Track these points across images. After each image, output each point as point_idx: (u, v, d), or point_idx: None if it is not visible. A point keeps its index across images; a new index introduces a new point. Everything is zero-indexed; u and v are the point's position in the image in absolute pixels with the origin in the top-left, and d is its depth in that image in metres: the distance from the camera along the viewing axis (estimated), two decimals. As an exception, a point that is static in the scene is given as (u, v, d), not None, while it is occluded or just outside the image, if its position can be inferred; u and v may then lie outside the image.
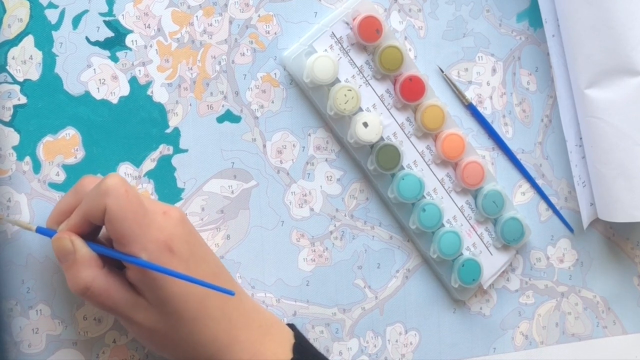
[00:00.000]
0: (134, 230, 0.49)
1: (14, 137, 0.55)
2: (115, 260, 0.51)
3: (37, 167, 0.55)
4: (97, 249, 0.51)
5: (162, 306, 0.51)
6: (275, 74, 0.61)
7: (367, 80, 0.62)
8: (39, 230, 0.52)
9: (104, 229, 0.52)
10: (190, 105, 0.59)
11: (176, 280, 0.50)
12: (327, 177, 0.62)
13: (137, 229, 0.49)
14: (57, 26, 0.56)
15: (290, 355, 0.54)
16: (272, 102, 0.61)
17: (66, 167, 0.56)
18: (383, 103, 0.62)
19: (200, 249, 0.53)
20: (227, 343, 0.52)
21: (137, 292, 0.51)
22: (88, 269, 0.50)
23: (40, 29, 0.55)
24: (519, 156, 0.67)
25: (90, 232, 0.52)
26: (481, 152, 0.66)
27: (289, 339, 0.55)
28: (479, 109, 0.66)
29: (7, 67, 0.55)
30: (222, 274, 0.54)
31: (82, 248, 0.50)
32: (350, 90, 0.59)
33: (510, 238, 0.65)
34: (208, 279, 0.52)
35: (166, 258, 0.50)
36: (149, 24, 0.58)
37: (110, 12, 0.57)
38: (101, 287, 0.50)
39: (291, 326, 0.58)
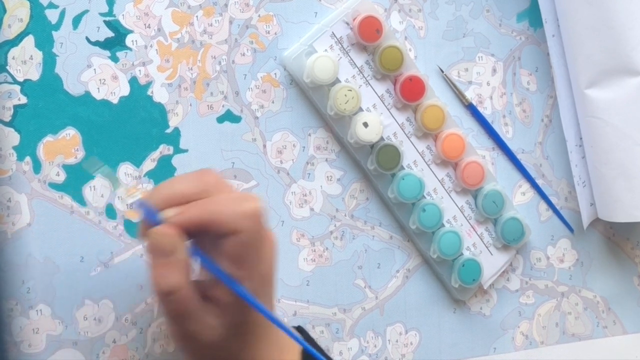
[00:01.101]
0: (253, 260, 0.48)
1: (14, 137, 0.55)
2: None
3: (37, 167, 0.55)
4: (206, 262, 0.48)
5: (243, 327, 0.49)
6: (275, 74, 0.61)
7: (367, 80, 0.62)
8: (144, 209, 0.47)
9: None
10: (191, 105, 0.59)
11: (268, 306, 0.49)
12: (327, 177, 0.62)
13: (255, 259, 0.48)
14: (57, 26, 0.56)
15: None
16: (273, 102, 0.61)
17: (66, 167, 0.56)
18: (383, 103, 0.62)
19: None
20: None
21: (209, 306, 0.49)
22: (179, 275, 0.47)
23: (41, 29, 0.55)
24: (519, 156, 0.67)
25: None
26: (481, 152, 0.66)
27: (298, 350, 0.54)
28: (479, 109, 0.66)
29: (7, 67, 0.55)
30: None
31: (182, 254, 0.47)
32: (351, 90, 0.59)
33: (510, 238, 0.65)
34: (272, 297, 0.51)
35: (264, 289, 0.49)
36: (149, 24, 0.58)
37: (110, 12, 0.57)
38: (184, 297, 0.47)
39: (299, 329, 0.58)
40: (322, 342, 0.62)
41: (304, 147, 0.61)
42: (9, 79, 0.55)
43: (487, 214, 0.64)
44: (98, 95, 0.57)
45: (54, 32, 0.55)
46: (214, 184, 0.48)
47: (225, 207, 0.47)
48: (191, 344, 0.50)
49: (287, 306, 0.61)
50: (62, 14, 0.56)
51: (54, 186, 0.56)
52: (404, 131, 0.63)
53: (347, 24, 0.61)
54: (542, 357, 0.68)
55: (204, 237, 0.48)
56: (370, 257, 0.63)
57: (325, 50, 0.60)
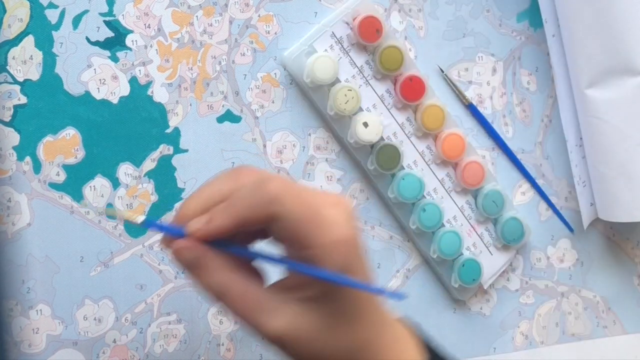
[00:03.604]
0: (313, 234, 0.43)
1: (14, 137, 0.55)
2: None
3: (37, 167, 0.55)
4: (238, 252, 0.45)
5: (341, 312, 0.45)
6: (275, 74, 0.61)
7: (367, 80, 0.62)
8: (148, 224, 0.45)
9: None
10: (191, 105, 0.59)
11: (364, 270, 0.44)
12: (327, 177, 0.62)
13: (316, 232, 0.43)
14: (57, 26, 0.56)
15: (419, 354, 0.48)
16: (273, 102, 0.61)
17: (66, 167, 0.56)
18: (383, 103, 0.62)
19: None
20: (391, 340, 0.47)
21: (288, 297, 0.45)
22: (221, 272, 0.44)
23: (41, 29, 0.55)
24: (519, 156, 0.67)
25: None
26: (481, 152, 0.66)
27: (412, 335, 0.50)
28: (479, 109, 0.66)
29: (8, 67, 0.55)
30: None
31: (207, 250, 0.44)
32: (351, 90, 0.59)
33: (510, 238, 0.65)
34: (368, 271, 0.46)
35: (352, 255, 0.44)
36: (149, 24, 0.58)
37: (110, 12, 0.57)
38: (239, 290, 0.44)
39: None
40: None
41: (304, 147, 0.61)
42: (9, 79, 0.55)
43: (487, 214, 0.64)
44: (98, 95, 0.57)
45: (54, 32, 0.55)
46: (247, 178, 0.45)
47: (244, 199, 0.43)
48: (281, 347, 0.45)
49: (287, 306, 0.61)
50: (62, 14, 0.56)
51: (54, 186, 0.56)
52: (404, 131, 0.63)
53: (347, 24, 0.61)
54: (542, 357, 0.68)
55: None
56: (370, 257, 0.63)
57: (325, 50, 0.60)
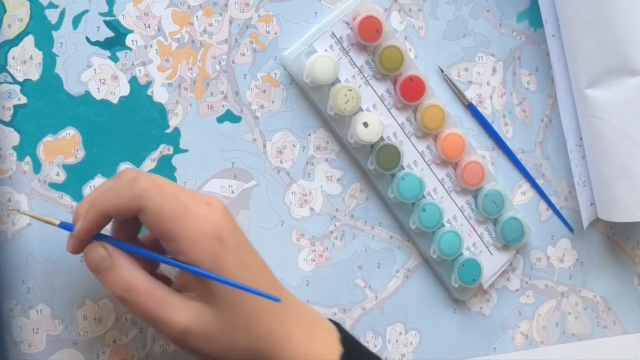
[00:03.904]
0: (179, 226, 0.47)
1: (14, 137, 0.55)
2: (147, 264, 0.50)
3: (37, 167, 0.55)
4: (141, 252, 0.49)
5: (216, 300, 0.48)
6: (275, 74, 0.61)
7: (367, 80, 0.62)
8: (63, 225, 0.50)
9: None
10: (191, 105, 0.59)
11: (232, 264, 0.48)
12: (327, 177, 0.62)
13: (182, 225, 0.47)
14: (57, 26, 0.56)
15: (341, 349, 0.52)
16: (272, 102, 0.61)
17: (66, 167, 0.56)
18: (383, 103, 0.62)
19: (245, 238, 0.51)
20: (282, 337, 0.50)
21: (183, 295, 0.49)
22: (127, 269, 0.48)
23: (41, 29, 0.55)
24: (519, 156, 0.67)
25: (130, 235, 0.51)
26: (481, 152, 0.66)
27: (335, 333, 0.54)
28: (479, 108, 0.66)
29: (7, 67, 0.54)
30: (267, 267, 0.52)
31: (116, 252, 0.49)
32: (351, 90, 0.59)
33: (510, 238, 0.65)
34: (258, 269, 0.50)
35: (218, 248, 0.48)
36: (149, 24, 0.58)
37: (110, 12, 0.57)
38: (145, 286, 0.48)
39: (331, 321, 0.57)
40: (322, 342, 0.62)
41: (304, 147, 0.61)
42: (9, 79, 0.55)
43: (487, 213, 0.64)
44: (98, 95, 0.57)
45: (54, 32, 0.55)
46: (123, 174, 0.50)
47: (119, 192, 0.48)
48: (192, 339, 0.49)
49: (287, 306, 0.61)
50: (62, 14, 0.56)
51: (54, 186, 0.56)
52: (404, 131, 0.63)
53: (347, 24, 0.61)
54: (542, 357, 0.68)
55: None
56: (370, 257, 0.63)
57: (325, 50, 0.60)
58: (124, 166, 0.57)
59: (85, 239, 0.50)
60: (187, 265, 0.48)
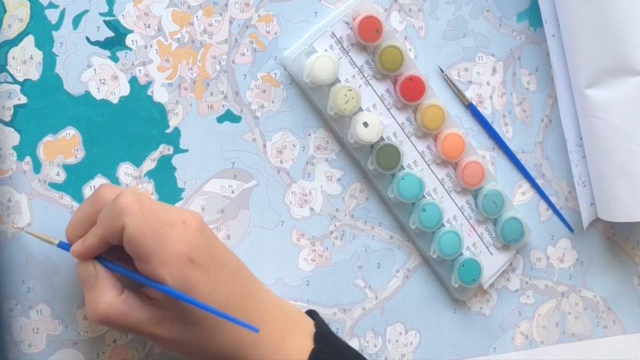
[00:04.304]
0: (153, 247, 0.49)
1: (14, 137, 0.55)
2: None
3: (37, 167, 0.55)
4: (119, 270, 0.51)
5: (186, 317, 0.51)
6: (275, 74, 0.61)
7: (367, 80, 0.62)
8: (61, 245, 0.52)
9: None
10: (191, 105, 0.59)
11: (201, 284, 0.50)
12: (327, 177, 0.62)
13: (156, 246, 0.49)
14: (57, 26, 0.56)
15: (312, 346, 0.54)
16: (272, 102, 0.61)
17: (66, 167, 0.56)
18: (383, 103, 0.62)
19: (220, 254, 0.53)
20: (250, 343, 0.53)
21: (157, 306, 0.51)
22: (106, 295, 0.50)
23: (41, 29, 0.55)
24: (519, 156, 0.67)
25: (114, 249, 0.52)
26: (481, 152, 0.66)
27: (310, 329, 0.56)
28: (479, 108, 0.66)
29: (8, 67, 0.54)
30: (242, 276, 0.54)
31: (102, 272, 0.51)
32: (351, 90, 0.59)
33: (510, 238, 0.65)
34: (229, 285, 0.52)
35: (188, 270, 0.50)
36: (149, 24, 0.58)
37: (110, 12, 0.57)
38: (119, 312, 0.50)
39: (312, 313, 0.58)
40: (322, 342, 0.62)
41: (304, 147, 0.61)
42: (9, 79, 0.55)
43: (487, 214, 0.64)
44: (98, 95, 0.57)
45: (54, 32, 0.55)
46: (105, 195, 0.51)
47: (103, 217, 0.50)
48: (165, 345, 0.52)
49: (287, 306, 0.61)
50: (62, 14, 0.56)
51: (54, 186, 0.56)
52: (404, 131, 0.63)
53: (347, 23, 0.61)
54: (542, 357, 0.68)
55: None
56: (370, 257, 0.63)
57: (325, 50, 0.60)
58: (124, 166, 0.57)
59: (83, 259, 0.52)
60: (161, 286, 0.49)
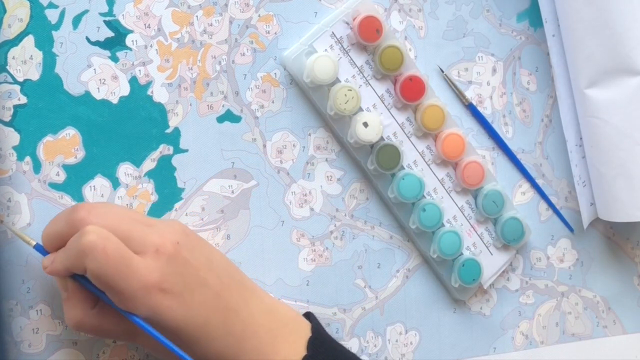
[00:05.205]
0: (118, 284, 0.49)
1: (14, 137, 0.55)
2: None
3: (37, 167, 0.55)
4: (90, 289, 0.51)
5: (162, 332, 0.51)
6: (275, 74, 0.61)
7: (367, 80, 0.62)
8: (37, 248, 0.53)
9: None
10: (191, 105, 0.59)
11: (174, 310, 0.50)
12: (327, 177, 0.62)
13: (121, 282, 0.49)
14: (57, 26, 0.56)
15: (304, 352, 0.54)
16: (272, 102, 0.61)
17: (66, 167, 0.56)
18: (383, 103, 0.62)
19: (198, 275, 0.52)
20: (233, 356, 0.53)
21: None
22: (77, 309, 0.52)
23: (41, 29, 0.55)
24: (519, 156, 0.67)
25: None
26: (481, 152, 0.66)
27: (305, 333, 0.55)
28: (479, 108, 0.66)
29: (7, 67, 0.55)
30: (226, 290, 0.54)
31: (73, 288, 0.52)
32: (351, 90, 0.59)
33: (511, 238, 0.65)
34: (209, 303, 0.52)
35: (158, 300, 0.50)
36: (149, 24, 0.58)
37: (110, 12, 0.57)
38: (92, 325, 0.52)
39: (309, 316, 0.58)
40: (322, 342, 0.62)
41: (304, 147, 0.61)
42: (9, 79, 0.55)
43: (487, 213, 0.64)
44: (98, 95, 0.57)
45: (54, 32, 0.55)
46: (80, 221, 0.51)
47: (67, 253, 0.51)
48: (148, 348, 0.54)
49: (287, 306, 0.61)
50: (62, 14, 0.56)
51: (54, 186, 0.56)
52: (404, 131, 0.63)
53: (347, 23, 0.61)
54: (542, 357, 0.68)
55: None
56: (370, 257, 0.63)
57: (325, 50, 0.60)
58: (124, 166, 0.57)
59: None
60: (131, 317, 0.50)
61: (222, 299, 0.53)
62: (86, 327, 0.52)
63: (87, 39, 0.56)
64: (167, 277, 0.50)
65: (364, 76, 0.61)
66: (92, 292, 0.51)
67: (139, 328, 0.51)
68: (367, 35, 0.60)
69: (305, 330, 0.56)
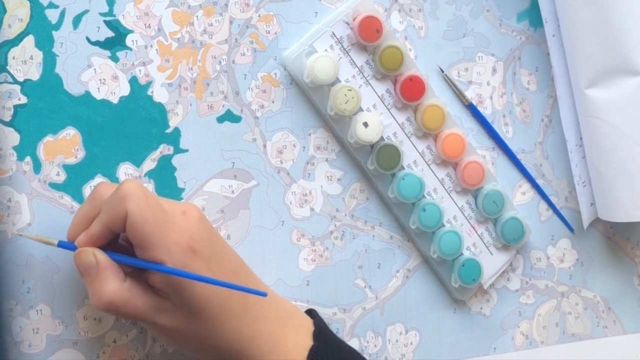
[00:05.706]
0: (156, 234, 0.49)
1: (14, 137, 0.55)
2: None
3: (37, 167, 0.55)
4: (119, 259, 0.51)
5: (187, 307, 0.51)
6: (275, 74, 0.61)
7: (367, 80, 0.62)
8: (61, 244, 0.52)
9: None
10: (191, 105, 0.59)
11: (202, 273, 0.50)
12: (328, 177, 0.62)
13: (159, 233, 0.49)
14: (57, 26, 0.56)
15: (311, 343, 0.54)
16: (273, 102, 0.61)
17: (66, 167, 0.56)
18: (383, 103, 0.62)
19: (220, 246, 0.53)
20: (250, 337, 0.53)
21: (159, 295, 0.51)
22: (110, 284, 0.50)
23: (41, 29, 0.55)
24: (519, 156, 0.67)
25: (111, 241, 0.52)
26: (481, 152, 0.66)
27: (309, 327, 0.56)
28: (479, 108, 0.66)
29: (8, 67, 0.55)
30: (243, 270, 0.54)
31: (104, 261, 0.50)
32: (351, 90, 0.59)
33: (511, 238, 0.65)
34: (230, 276, 0.52)
35: (189, 259, 0.50)
36: (149, 24, 0.58)
37: (110, 12, 0.57)
38: (124, 300, 0.50)
39: (311, 312, 0.58)
40: (322, 342, 0.62)
41: (304, 147, 0.61)
42: (9, 79, 0.55)
43: (487, 214, 0.64)
44: (98, 95, 0.57)
45: (54, 32, 0.55)
46: (103, 193, 0.51)
47: (107, 204, 0.50)
48: (164, 334, 0.52)
49: (287, 306, 0.61)
50: (62, 14, 0.56)
51: (54, 186, 0.56)
52: (404, 131, 0.63)
53: (347, 24, 0.61)
54: (542, 357, 0.68)
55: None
56: (370, 257, 0.63)
57: (326, 50, 0.60)
58: (124, 166, 0.57)
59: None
60: (164, 267, 0.50)
61: (241, 277, 0.53)
62: (117, 303, 0.50)
63: (87, 39, 0.56)
64: (196, 239, 0.51)
65: (364, 76, 0.61)
66: (119, 261, 0.51)
67: (167, 305, 0.50)
68: (367, 35, 0.60)
69: (308, 324, 0.56)
